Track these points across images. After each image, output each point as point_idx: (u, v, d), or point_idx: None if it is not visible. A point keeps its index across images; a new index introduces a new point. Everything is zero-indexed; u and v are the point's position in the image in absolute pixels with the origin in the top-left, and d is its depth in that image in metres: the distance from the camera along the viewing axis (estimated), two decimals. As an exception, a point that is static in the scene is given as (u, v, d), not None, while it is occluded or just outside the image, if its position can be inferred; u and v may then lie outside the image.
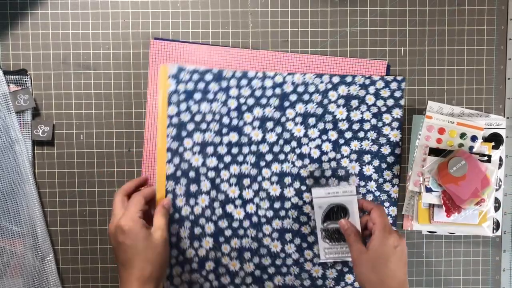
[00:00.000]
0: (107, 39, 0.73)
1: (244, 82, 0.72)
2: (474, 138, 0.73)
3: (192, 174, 0.72)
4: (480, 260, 0.77)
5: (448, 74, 0.75)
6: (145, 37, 0.74)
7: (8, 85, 0.72)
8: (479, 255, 0.77)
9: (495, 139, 0.74)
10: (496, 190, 0.75)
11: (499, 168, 0.75)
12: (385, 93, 0.73)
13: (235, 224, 0.73)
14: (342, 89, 0.73)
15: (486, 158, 0.72)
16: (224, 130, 0.72)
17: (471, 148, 0.73)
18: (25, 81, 0.72)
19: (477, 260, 0.77)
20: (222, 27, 0.74)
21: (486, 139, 0.74)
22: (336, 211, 0.71)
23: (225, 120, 0.72)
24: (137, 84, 0.74)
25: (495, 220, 0.75)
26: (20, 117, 0.72)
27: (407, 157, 0.76)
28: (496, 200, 0.75)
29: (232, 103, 0.72)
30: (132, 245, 0.63)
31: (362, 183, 0.74)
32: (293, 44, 0.74)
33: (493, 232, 0.75)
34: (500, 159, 0.75)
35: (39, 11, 0.73)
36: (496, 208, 0.75)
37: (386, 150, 0.74)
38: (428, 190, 0.72)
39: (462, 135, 0.73)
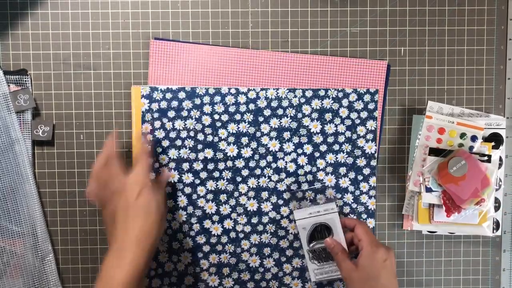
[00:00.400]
0: (107, 39, 0.73)
1: (217, 98, 0.73)
2: (474, 138, 0.73)
3: (168, 189, 0.73)
4: (480, 260, 0.77)
5: (448, 74, 0.75)
6: (145, 37, 0.74)
7: (8, 85, 0.72)
8: (479, 255, 0.77)
9: (495, 139, 0.74)
10: (496, 190, 0.75)
11: (499, 168, 0.75)
12: (359, 105, 0.74)
13: (213, 240, 0.74)
14: (316, 103, 0.73)
15: (486, 158, 0.72)
16: (199, 147, 0.73)
17: (471, 148, 0.73)
18: (25, 81, 0.73)
19: (477, 260, 0.77)
20: (222, 27, 0.74)
21: (486, 139, 0.74)
22: (320, 231, 0.72)
23: (200, 136, 0.73)
24: (137, 84, 0.74)
25: (495, 220, 0.75)
26: (20, 117, 0.72)
27: (407, 157, 0.76)
28: (496, 200, 0.75)
29: (206, 120, 0.73)
30: (150, 204, 0.63)
31: (339, 196, 0.74)
32: (293, 44, 0.74)
33: (493, 232, 0.75)
34: (500, 159, 0.75)
35: (39, 11, 0.73)
36: (496, 208, 0.75)
37: (361, 162, 0.74)
38: (428, 190, 0.72)
39: (462, 135, 0.73)
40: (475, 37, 0.75)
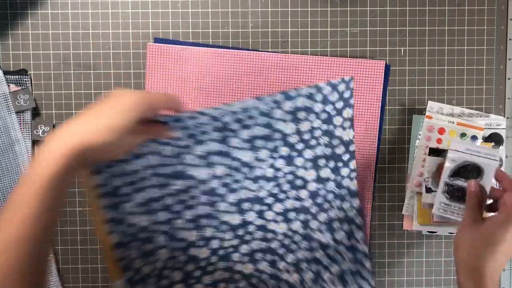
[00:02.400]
0: (107, 39, 0.73)
1: (177, 125, 0.63)
2: (474, 138, 0.73)
3: (142, 235, 0.66)
4: (480, 260, 0.77)
5: (448, 74, 0.75)
6: (145, 37, 0.74)
7: (8, 85, 0.72)
8: (479, 255, 0.77)
9: (495, 139, 0.74)
10: (496, 190, 0.75)
11: (499, 168, 0.75)
12: (333, 96, 0.71)
13: (203, 263, 0.70)
14: (288, 105, 0.68)
15: (486, 158, 0.72)
16: (165, 181, 0.65)
17: (471, 148, 0.73)
18: (25, 81, 0.73)
19: (477, 260, 0.77)
20: (222, 27, 0.74)
21: (486, 139, 0.74)
22: (470, 170, 0.66)
23: (163, 170, 0.65)
24: (137, 84, 0.74)
25: (495, 220, 0.75)
26: (20, 117, 0.72)
27: (407, 157, 0.76)
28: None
29: (167, 151, 0.64)
30: (119, 113, 0.54)
31: (321, 186, 0.71)
32: (293, 44, 0.74)
33: (493, 232, 0.75)
34: (500, 159, 0.75)
35: (39, 11, 0.73)
36: (496, 208, 0.75)
37: (340, 149, 0.72)
38: (428, 190, 0.72)
39: (462, 135, 0.73)
40: (475, 37, 0.75)
